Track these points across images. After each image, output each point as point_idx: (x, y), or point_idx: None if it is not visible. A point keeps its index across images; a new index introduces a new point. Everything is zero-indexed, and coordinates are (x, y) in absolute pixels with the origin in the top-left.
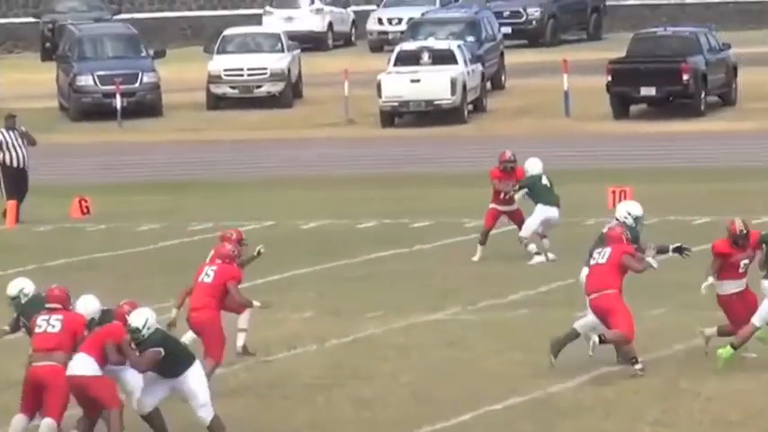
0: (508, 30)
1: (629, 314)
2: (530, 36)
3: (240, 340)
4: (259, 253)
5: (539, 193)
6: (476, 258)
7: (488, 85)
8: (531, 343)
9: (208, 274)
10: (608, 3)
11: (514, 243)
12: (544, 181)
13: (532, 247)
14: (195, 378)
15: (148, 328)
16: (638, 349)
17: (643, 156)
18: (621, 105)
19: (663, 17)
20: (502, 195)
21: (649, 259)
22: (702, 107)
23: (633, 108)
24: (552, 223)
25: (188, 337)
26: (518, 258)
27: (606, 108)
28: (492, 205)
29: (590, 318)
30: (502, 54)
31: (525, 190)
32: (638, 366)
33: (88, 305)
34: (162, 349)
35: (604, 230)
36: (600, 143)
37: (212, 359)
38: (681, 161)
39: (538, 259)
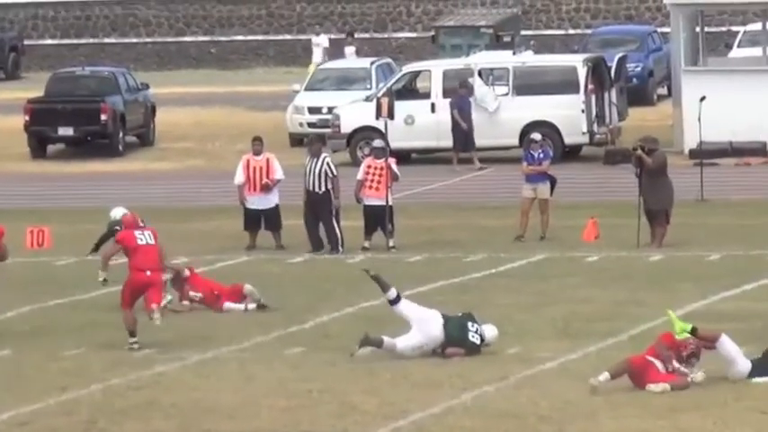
0: None
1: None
2: None
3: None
4: None
5: None
6: None
7: None
8: None
9: None
10: (26, 42)
11: None
12: None
13: None
14: None
15: None
16: None
17: (61, 196)
18: (39, 145)
19: (81, 57)
20: None
21: None
22: (121, 147)
23: (51, 148)
24: None
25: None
26: None
27: (25, 148)
28: None
29: None
30: None
31: None
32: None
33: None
34: None
35: None
36: (18, 183)
37: None
38: (100, 201)
39: None
